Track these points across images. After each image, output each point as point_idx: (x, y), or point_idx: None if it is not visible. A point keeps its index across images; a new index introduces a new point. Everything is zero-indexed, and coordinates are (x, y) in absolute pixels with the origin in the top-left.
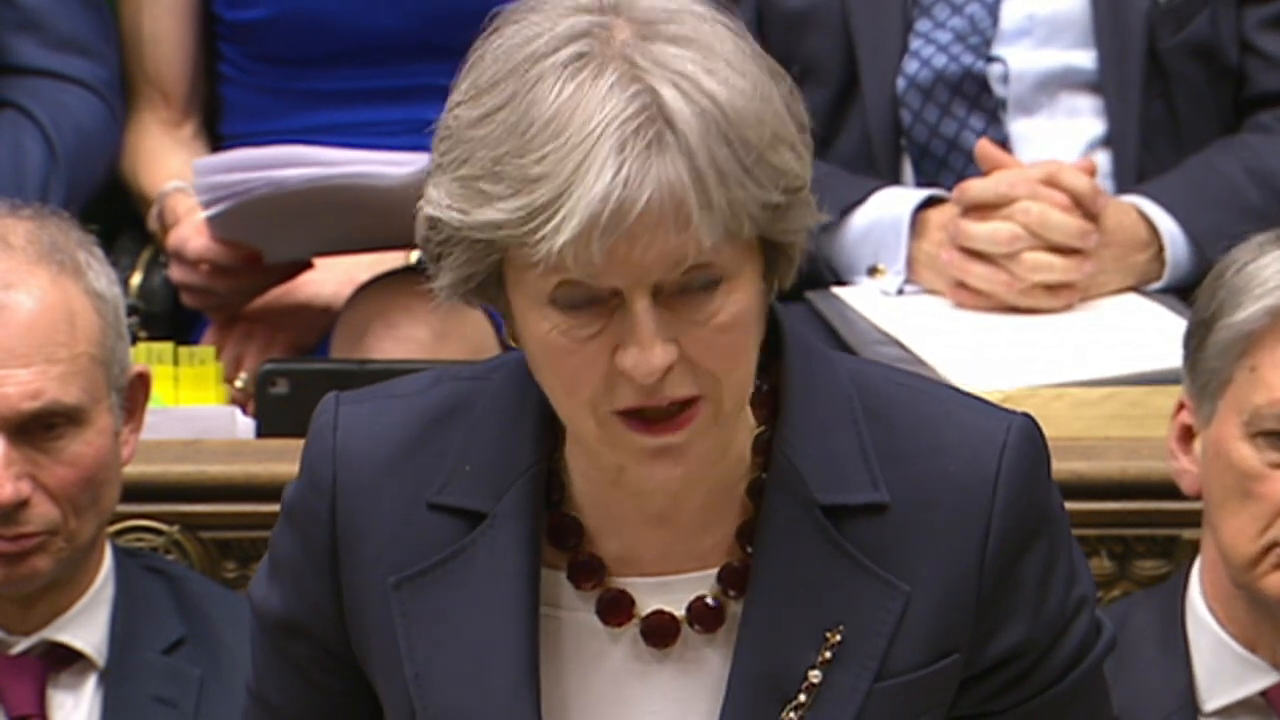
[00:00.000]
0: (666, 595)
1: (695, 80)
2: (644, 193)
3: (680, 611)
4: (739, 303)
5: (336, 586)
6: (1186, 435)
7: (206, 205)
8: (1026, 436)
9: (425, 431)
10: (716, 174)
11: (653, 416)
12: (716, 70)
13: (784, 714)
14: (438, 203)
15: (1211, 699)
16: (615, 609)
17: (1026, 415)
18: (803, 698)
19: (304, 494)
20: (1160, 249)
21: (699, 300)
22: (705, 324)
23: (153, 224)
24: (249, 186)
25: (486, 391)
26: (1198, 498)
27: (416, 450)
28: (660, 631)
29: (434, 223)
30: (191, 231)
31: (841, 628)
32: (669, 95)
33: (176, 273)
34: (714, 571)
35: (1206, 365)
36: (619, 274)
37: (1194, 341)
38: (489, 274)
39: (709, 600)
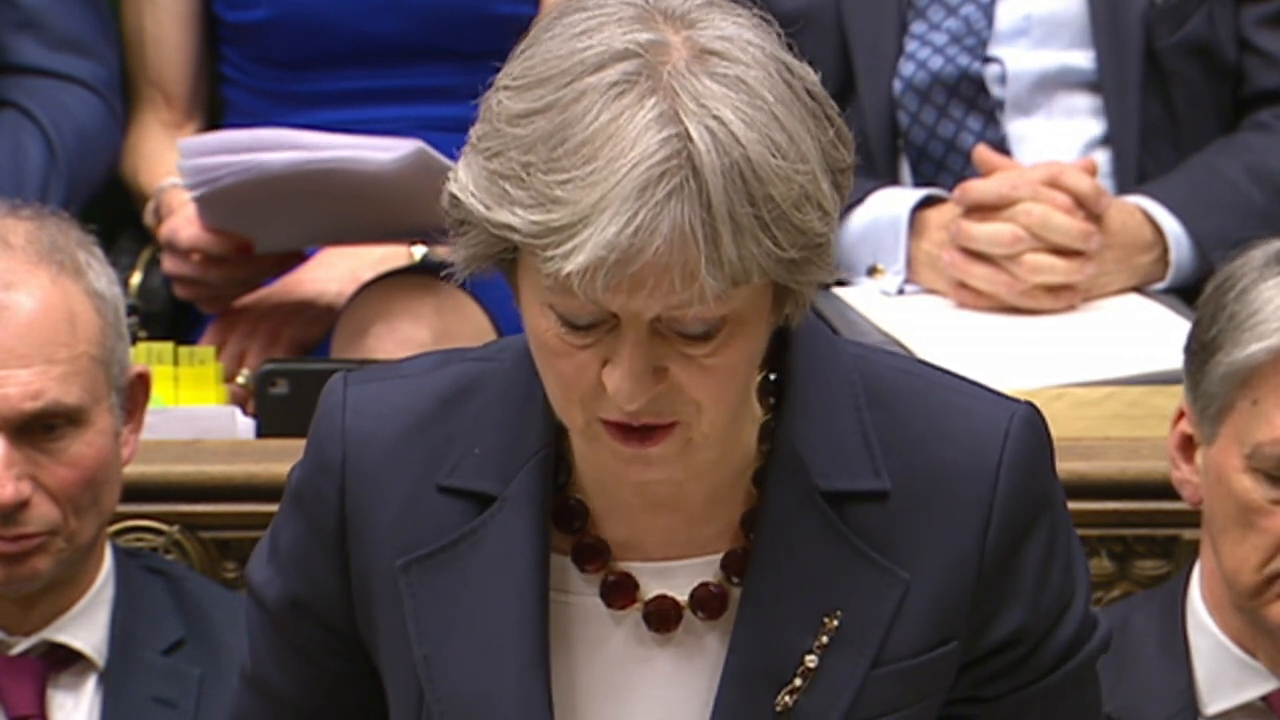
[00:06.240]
0: (670, 580)
1: (732, 129)
2: (654, 242)
3: (683, 597)
4: (736, 344)
5: (344, 567)
6: (1187, 444)
7: (192, 187)
8: (1029, 424)
9: (434, 412)
10: (732, 229)
11: (629, 428)
12: (757, 120)
13: (779, 697)
14: (464, 185)
15: (1212, 702)
16: (619, 592)
17: (1029, 403)
18: (798, 682)
19: (312, 475)
20: (1165, 250)
21: (696, 337)
22: (698, 359)
23: (149, 219)
24: (235, 168)
25: (495, 373)
26: (1199, 505)
27: (426, 431)
28: (663, 616)
29: (456, 201)
30: (183, 222)
31: (839, 613)
32: (701, 143)
33: (168, 264)
34: (718, 558)
35: (1208, 389)
36: (618, 305)
37: (1195, 362)
38: (502, 258)
39: (712, 586)
